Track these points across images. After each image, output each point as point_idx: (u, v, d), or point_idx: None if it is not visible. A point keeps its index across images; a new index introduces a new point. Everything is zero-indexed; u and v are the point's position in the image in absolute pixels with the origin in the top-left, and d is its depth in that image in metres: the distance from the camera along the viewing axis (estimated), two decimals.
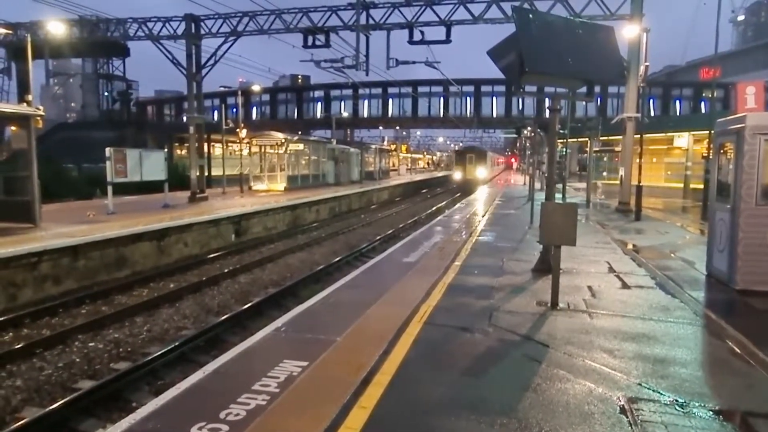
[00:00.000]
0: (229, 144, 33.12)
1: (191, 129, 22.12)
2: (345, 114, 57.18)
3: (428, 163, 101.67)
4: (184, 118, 27.34)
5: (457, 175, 43.94)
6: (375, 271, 9.20)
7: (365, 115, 59.26)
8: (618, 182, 19.95)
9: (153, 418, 3.82)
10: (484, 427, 3.69)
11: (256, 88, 48.37)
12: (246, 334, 7.95)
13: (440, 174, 66.36)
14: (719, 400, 4.25)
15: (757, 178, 7.31)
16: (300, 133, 38.23)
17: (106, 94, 66.26)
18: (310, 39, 22.02)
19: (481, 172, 42.92)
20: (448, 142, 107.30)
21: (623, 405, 4.06)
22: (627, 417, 3.87)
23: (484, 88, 55.28)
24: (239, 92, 39.07)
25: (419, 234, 13.84)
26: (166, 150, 20.65)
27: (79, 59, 70.12)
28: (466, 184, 40.79)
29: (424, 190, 46.94)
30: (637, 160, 17.81)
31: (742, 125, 7.38)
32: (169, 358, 7.44)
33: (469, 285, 7.88)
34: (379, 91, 56.01)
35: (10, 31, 30.03)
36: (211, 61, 22.72)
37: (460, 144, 66.94)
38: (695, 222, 16.54)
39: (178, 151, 40.00)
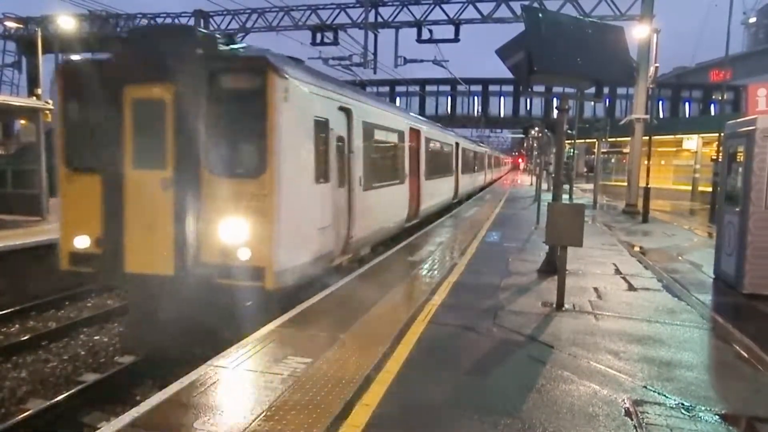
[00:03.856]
0: None
1: None
2: None
3: None
4: None
5: None
6: (379, 267, 9.17)
7: None
8: (625, 184, 19.84)
9: (157, 412, 3.83)
10: (487, 427, 3.67)
11: None
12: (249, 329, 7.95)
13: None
14: (725, 404, 4.21)
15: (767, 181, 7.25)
16: None
17: None
18: (318, 36, 22.04)
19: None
20: None
21: (628, 407, 4.03)
22: (632, 420, 3.84)
23: (492, 88, 54.97)
24: None
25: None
26: None
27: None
28: None
29: None
30: (645, 162, 17.71)
31: (753, 128, 7.31)
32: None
33: (475, 284, 7.84)
34: (386, 89, 55.74)
35: (20, 25, 30.27)
36: None
37: None
38: (703, 225, 16.43)
39: None
